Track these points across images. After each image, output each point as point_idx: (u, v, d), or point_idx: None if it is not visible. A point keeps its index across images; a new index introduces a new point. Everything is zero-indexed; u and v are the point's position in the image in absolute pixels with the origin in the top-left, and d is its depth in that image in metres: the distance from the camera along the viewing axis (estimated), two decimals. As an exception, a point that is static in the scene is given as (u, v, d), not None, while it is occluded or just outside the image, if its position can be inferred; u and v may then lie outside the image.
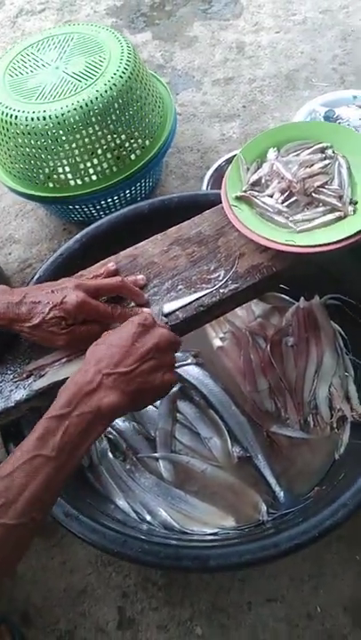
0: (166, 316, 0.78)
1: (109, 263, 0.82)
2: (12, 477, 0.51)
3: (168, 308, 0.78)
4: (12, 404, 0.73)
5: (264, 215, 0.82)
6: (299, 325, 0.98)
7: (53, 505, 0.57)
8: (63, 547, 0.92)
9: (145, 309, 0.76)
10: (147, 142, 1.14)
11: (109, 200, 1.18)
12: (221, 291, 0.79)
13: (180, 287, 0.81)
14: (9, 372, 0.76)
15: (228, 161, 1.21)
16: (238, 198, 0.83)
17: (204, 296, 0.79)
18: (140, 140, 1.14)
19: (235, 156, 0.86)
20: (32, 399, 0.74)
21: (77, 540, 0.91)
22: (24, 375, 0.75)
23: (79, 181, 1.10)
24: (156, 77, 1.25)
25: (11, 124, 1.03)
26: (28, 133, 1.03)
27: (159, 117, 1.17)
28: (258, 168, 0.86)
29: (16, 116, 1.02)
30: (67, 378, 0.74)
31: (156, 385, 0.63)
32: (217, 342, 1.03)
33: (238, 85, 1.54)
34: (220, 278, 0.80)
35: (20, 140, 1.05)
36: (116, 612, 0.86)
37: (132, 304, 0.78)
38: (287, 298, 1.06)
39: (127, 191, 1.19)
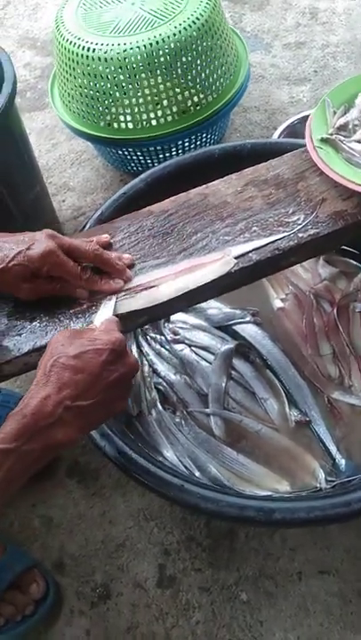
0: (237, 258, 0.73)
1: (104, 234, 0.74)
2: None
3: (240, 249, 0.73)
4: None
5: (351, 160, 0.76)
6: (369, 290, 0.92)
7: None
8: (103, 497, 0.88)
9: (118, 282, 0.68)
10: (212, 96, 1.09)
11: (172, 149, 1.13)
12: (300, 235, 0.73)
13: (254, 229, 0.75)
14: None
15: (302, 120, 1.14)
16: (323, 141, 0.77)
17: (280, 239, 0.73)
18: (205, 92, 1.08)
19: (308, 115, 0.81)
20: None
21: (119, 490, 0.89)
22: None
23: (146, 121, 1.06)
24: (235, 31, 1.19)
25: (84, 56, 0.99)
26: (100, 65, 0.99)
27: (231, 71, 1.12)
28: (345, 112, 0.80)
29: (90, 49, 0.98)
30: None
31: (110, 413, 0.59)
32: (278, 303, 0.98)
33: (310, 50, 1.47)
34: (300, 222, 0.74)
35: (91, 71, 1.00)
36: (156, 569, 0.81)
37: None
38: (356, 263, 1.00)
39: (188, 142, 1.14)
